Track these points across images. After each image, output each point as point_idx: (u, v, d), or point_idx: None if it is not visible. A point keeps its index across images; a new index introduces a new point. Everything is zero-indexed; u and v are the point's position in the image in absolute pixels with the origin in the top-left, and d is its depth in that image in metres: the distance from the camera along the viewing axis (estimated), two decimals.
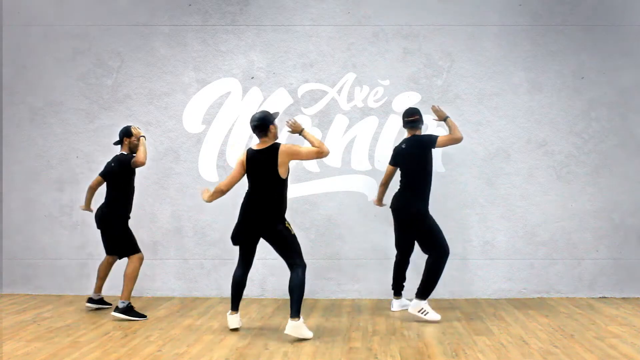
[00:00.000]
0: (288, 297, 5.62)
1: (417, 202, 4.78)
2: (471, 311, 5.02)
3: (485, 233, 5.58)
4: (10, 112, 5.84)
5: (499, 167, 5.61)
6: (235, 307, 4.47)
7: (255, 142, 4.44)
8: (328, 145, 5.60)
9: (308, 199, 5.64)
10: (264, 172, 4.26)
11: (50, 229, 5.79)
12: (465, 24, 5.63)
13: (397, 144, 5.66)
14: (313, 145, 4.27)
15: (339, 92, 5.67)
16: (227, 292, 5.67)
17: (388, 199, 5.11)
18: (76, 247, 5.77)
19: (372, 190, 5.58)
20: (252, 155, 4.33)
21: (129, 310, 4.78)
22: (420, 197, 4.80)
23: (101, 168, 5.74)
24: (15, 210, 5.82)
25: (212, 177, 5.70)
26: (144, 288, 5.59)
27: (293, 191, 5.66)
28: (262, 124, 4.27)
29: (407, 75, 5.65)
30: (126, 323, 4.69)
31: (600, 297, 5.55)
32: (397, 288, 5.12)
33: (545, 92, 5.62)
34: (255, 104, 5.70)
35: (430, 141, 4.80)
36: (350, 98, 5.67)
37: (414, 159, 4.82)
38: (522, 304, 5.28)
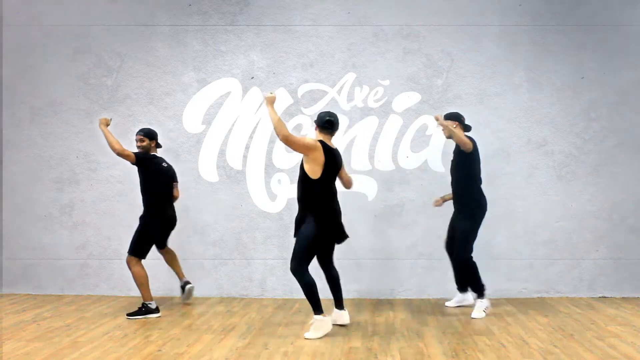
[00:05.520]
0: (287, 297, 5.67)
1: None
2: (471, 311, 5.01)
3: (485, 233, 5.55)
4: (10, 112, 5.83)
5: (499, 167, 5.60)
6: (337, 305, 4.59)
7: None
8: None
9: None
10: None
11: (50, 229, 5.79)
12: (465, 24, 5.63)
13: (396, 143, 5.68)
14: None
15: (339, 92, 5.67)
16: (227, 292, 5.70)
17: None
18: (76, 247, 5.77)
19: (372, 190, 5.59)
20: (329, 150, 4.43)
21: (139, 311, 4.91)
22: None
23: (101, 168, 5.77)
24: (15, 210, 5.82)
25: (212, 177, 5.70)
26: None
27: (293, 191, 5.67)
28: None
29: (407, 75, 5.65)
30: (126, 323, 4.70)
31: (600, 297, 5.55)
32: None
33: (545, 92, 5.62)
34: (255, 104, 5.69)
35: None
36: (350, 98, 5.66)
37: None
38: (522, 304, 5.28)
